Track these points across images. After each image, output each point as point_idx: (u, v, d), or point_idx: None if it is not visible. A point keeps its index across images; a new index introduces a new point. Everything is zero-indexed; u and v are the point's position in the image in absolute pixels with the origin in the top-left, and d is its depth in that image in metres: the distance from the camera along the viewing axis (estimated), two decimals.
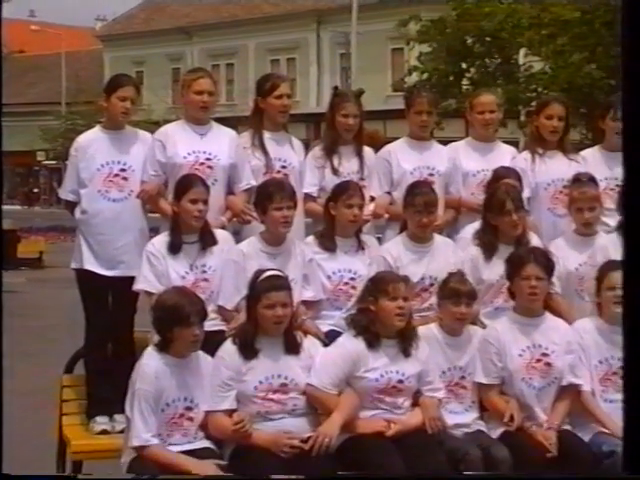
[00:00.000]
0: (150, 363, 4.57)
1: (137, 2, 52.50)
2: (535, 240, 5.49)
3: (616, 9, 19.35)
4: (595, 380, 5.11)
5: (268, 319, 4.64)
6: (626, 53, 2.63)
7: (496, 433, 4.97)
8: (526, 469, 4.72)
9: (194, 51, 46.60)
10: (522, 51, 22.11)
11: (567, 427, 5.03)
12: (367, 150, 5.92)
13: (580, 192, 5.54)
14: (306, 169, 5.82)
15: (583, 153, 6.13)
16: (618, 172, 5.92)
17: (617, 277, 5.07)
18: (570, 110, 6.17)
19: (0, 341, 3.10)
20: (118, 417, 5.16)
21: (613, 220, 5.67)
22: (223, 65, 44.99)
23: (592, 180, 5.61)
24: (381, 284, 4.83)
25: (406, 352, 4.82)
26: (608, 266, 5.12)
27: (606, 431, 4.95)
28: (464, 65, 22.29)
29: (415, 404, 4.87)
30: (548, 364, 5.04)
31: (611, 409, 5.04)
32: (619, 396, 5.09)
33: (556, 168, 5.90)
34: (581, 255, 5.53)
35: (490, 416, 5.08)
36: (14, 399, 3.60)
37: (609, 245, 5.45)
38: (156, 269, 5.14)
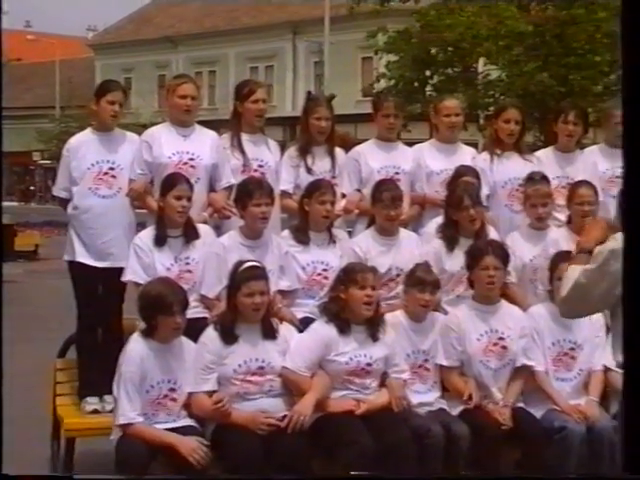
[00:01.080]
0: (136, 347, 4.55)
1: (126, 14, 52.21)
2: (493, 234, 5.50)
3: (565, 23, 19.46)
4: (548, 360, 5.14)
5: (247, 307, 4.63)
6: (626, 53, 2.58)
7: (456, 411, 4.99)
8: (483, 443, 4.74)
9: (179, 59, 46.31)
10: (481, 60, 22.15)
11: (521, 404, 5.06)
12: (338, 151, 5.91)
13: (534, 190, 5.55)
14: (282, 168, 5.80)
15: (538, 153, 6.15)
16: (569, 171, 5.96)
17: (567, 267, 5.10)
18: (525, 115, 6.19)
19: (0, 327, 3.07)
20: (108, 398, 5.12)
21: (563, 215, 5.71)
22: (206, 72, 44.70)
23: (544, 178, 5.64)
24: (351, 274, 4.83)
25: (374, 337, 4.83)
26: (559, 257, 5.15)
27: (557, 408, 4.99)
28: (428, 73, 22.29)
29: (382, 385, 4.88)
30: (504, 347, 5.07)
31: (562, 387, 5.09)
32: (570, 375, 5.14)
33: (512, 168, 5.91)
34: (535, 247, 5.55)
35: (451, 395, 5.10)
36: (13, 381, 3.57)
37: (560, 238, 5.49)
38: (143, 261, 5.12)
